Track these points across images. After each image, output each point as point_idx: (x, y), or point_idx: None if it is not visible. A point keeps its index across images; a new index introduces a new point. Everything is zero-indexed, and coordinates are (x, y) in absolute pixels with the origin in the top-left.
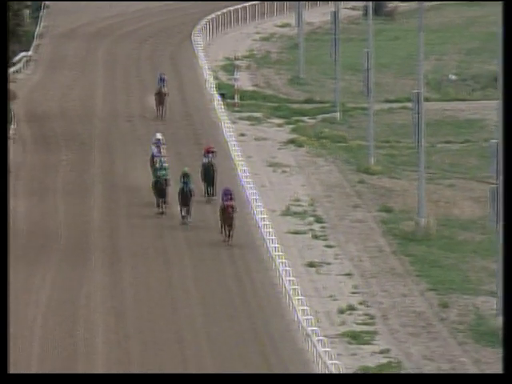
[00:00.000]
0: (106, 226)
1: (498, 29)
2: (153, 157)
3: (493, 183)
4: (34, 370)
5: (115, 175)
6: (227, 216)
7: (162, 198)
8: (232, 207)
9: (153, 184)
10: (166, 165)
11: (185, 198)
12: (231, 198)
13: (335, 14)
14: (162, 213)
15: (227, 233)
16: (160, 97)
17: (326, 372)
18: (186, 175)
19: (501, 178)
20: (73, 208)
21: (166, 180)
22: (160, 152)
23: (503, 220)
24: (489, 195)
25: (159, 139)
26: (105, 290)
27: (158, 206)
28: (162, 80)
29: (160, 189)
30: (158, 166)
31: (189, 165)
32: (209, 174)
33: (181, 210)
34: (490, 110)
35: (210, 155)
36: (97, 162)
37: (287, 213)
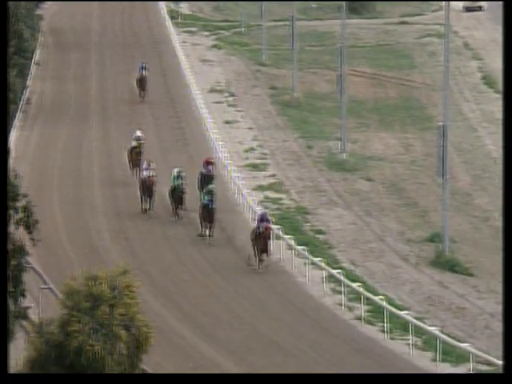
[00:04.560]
0: (99, 100)
1: None
2: (132, 149)
3: (338, 72)
4: (56, 195)
5: (106, 68)
6: (263, 241)
7: (180, 205)
8: (271, 231)
9: (170, 192)
10: (183, 174)
11: (209, 214)
12: (268, 223)
13: None
14: (179, 218)
15: (260, 257)
16: (142, 82)
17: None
18: (210, 192)
19: (344, 67)
20: (79, 88)
21: (182, 189)
22: (150, 165)
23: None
24: (335, 79)
25: (139, 136)
26: (98, 140)
27: (176, 214)
28: (143, 68)
29: (179, 196)
30: (175, 174)
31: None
32: (207, 184)
33: (201, 225)
34: (337, 26)
35: (210, 167)
36: (94, 59)
37: (212, 90)
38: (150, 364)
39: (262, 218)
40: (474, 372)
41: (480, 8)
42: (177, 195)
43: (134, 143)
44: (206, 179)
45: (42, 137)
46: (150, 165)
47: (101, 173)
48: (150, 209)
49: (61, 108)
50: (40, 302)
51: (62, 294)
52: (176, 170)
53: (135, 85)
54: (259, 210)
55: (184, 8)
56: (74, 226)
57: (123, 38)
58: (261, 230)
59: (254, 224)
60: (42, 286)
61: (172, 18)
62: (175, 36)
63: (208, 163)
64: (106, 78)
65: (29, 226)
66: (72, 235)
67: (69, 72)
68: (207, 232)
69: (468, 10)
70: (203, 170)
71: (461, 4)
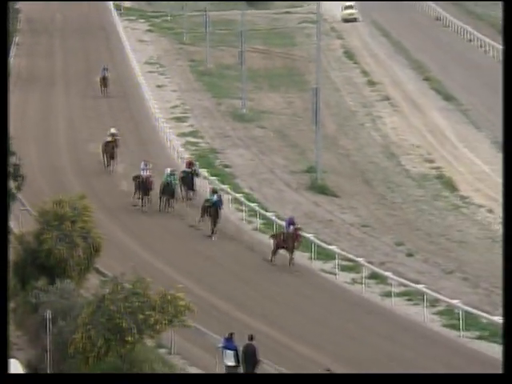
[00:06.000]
0: (63, 71)
1: None
2: (107, 143)
3: (239, 49)
4: (31, 138)
5: (67, 47)
6: (291, 242)
7: (172, 198)
8: (300, 236)
9: (163, 186)
10: (175, 173)
11: (216, 213)
12: (297, 228)
13: None
14: (171, 210)
15: (290, 256)
16: (104, 81)
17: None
18: (216, 191)
19: (243, 45)
20: (48, 62)
21: (174, 186)
22: (147, 165)
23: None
24: (237, 54)
25: (114, 133)
26: (63, 104)
27: (165, 205)
28: (105, 69)
29: (171, 191)
30: (168, 172)
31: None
32: (188, 181)
33: (201, 217)
34: (239, 15)
35: (194, 167)
36: (58, 41)
37: (146, 63)
38: (102, 264)
39: (290, 222)
40: (338, 267)
41: (355, 19)
42: (169, 191)
43: (108, 138)
44: (186, 175)
45: (20, 99)
46: (147, 165)
47: (64, 122)
48: (143, 205)
49: (34, 78)
50: (20, 220)
51: (36, 214)
52: (169, 170)
53: (98, 83)
54: (289, 215)
55: (125, 2)
56: (44, 161)
57: (79, 25)
58: (290, 232)
59: (283, 227)
60: (22, 208)
61: (116, 9)
62: (119, 23)
63: (191, 164)
64: (68, 55)
65: (17, 178)
66: (43, 168)
67: (40, 51)
68: (210, 228)
69: (346, 21)
70: (186, 169)
71: (339, 16)
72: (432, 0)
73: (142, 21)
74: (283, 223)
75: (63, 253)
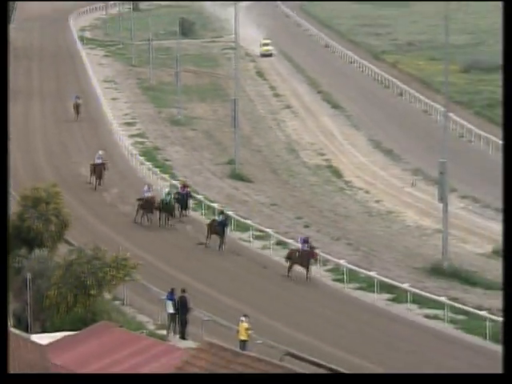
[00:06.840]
0: (39, 87)
1: None
2: (96, 165)
3: (175, 70)
4: (14, 138)
5: (43, 69)
6: (305, 260)
7: (170, 215)
8: (313, 253)
9: (163, 204)
10: (172, 191)
11: (223, 231)
12: (312, 247)
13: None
14: (170, 226)
15: (306, 272)
16: (77, 108)
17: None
18: (222, 213)
19: (179, 67)
20: (26, 81)
21: (172, 204)
22: (150, 189)
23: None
24: (174, 74)
25: (101, 155)
26: (39, 110)
27: (164, 221)
28: (77, 97)
29: (170, 208)
30: (166, 192)
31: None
32: (183, 201)
33: (207, 236)
34: (175, 44)
35: (187, 189)
36: (35, 64)
37: (104, 81)
38: (70, 236)
39: (305, 241)
40: (253, 237)
41: (271, 55)
42: (168, 208)
43: (98, 161)
44: (182, 196)
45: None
46: (149, 188)
47: (40, 128)
48: (148, 220)
49: (16, 93)
50: None
51: (19, 198)
52: (167, 189)
53: (72, 109)
54: (302, 235)
55: (87, 34)
56: (25, 155)
57: (52, 51)
58: (305, 250)
59: (299, 245)
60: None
61: (80, 40)
62: (83, 50)
63: (185, 186)
64: (43, 75)
65: None
66: (24, 164)
67: (20, 71)
68: (218, 244)
69: (263, 55)
70: (180, 191)
71: (258, 51)
72: (280, 0)
73: (101, 48)
74: (298, 244)
75: (40, 228)
